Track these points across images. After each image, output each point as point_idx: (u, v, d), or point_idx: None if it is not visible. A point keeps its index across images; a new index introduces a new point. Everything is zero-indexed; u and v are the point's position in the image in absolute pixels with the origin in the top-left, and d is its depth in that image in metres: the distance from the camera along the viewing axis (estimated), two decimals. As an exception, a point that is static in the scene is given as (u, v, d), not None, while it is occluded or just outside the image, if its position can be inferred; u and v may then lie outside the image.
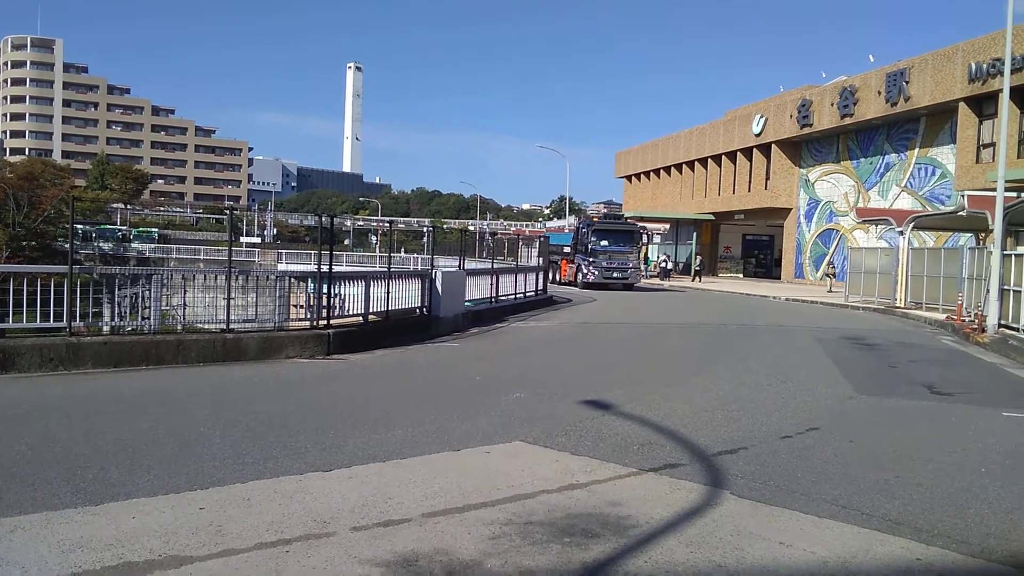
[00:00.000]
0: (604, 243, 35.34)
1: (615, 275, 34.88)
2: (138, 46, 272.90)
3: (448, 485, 5.82)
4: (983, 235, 26.65)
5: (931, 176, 38.88)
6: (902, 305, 27.24)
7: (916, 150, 39.86)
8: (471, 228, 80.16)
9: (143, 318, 11.73)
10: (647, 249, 44.23)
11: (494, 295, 21.93)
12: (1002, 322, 17.98)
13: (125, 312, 11.79)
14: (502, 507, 5.35)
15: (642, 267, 38.26)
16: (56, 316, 10.88)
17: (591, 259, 35.04)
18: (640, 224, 41.06)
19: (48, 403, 8.59)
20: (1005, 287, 18.14)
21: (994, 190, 18.74)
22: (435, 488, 5.73)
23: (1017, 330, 17.40)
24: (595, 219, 38.31)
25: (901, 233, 28.41)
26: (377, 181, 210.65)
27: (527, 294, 25.17)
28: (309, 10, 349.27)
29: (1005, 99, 19.15)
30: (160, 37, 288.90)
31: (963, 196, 23.28)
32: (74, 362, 10.55)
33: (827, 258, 46.61)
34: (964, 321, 20.26)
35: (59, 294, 10.86)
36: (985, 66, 33.04)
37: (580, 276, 35.98)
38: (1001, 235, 18.23)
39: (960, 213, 22.82)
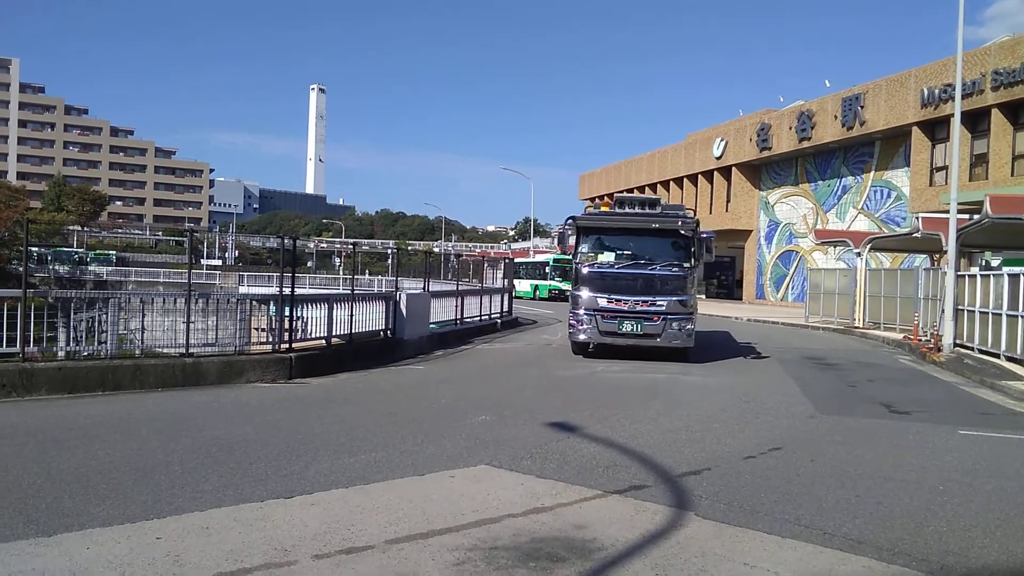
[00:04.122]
0: (607, 257, 16.95)
1: (627, 327, 16.26)
2: (97, 66, 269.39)
3: (412, 510, 5.76)
4: (937, 256, 27.24)
5: (887, 198, 39.73)
6: (861, 325, 27.71)
7: (872, 173, 40.73)
8: (436, 250, 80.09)
9: (100, 343, 11.49)
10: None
11: (459, 317, 21.88)
12: (957, 341, 18.36)
13: (81, 337, 11.52)
14: (467, 532, 5.30)
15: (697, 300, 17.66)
16: (9, 341, 10.61)
17: (580, 292, 16.75)
18: (686, 216, 17.96)
19: (-1, 431, 8.36)
20: (959, 307, 18.55)
21: (947, 212, 19.19)
22: (399, 514, 5.67)
23: (972, 349, 17.78)
24: (588, 209, 19.87)
25: (859, 254, 28.96)
26: (341, 203, 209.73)
27: (492, 316, 25.15)
28: (272, 31, 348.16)
29: (956, 124, 19.65)
30: (120, 57, 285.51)
31: (917, 218, 23.79)
32: (27, 388, 10.28)
33: (787, 279, 47.31)
34: (920, 340, 20.64)
35: (12, 318, 10.60)
36: (937, 91, 33.94)
37: (569, 327, 17.24)
38: (955, 256, 18.64)
39: (915, 235, 23.32)
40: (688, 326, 16.22)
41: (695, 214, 55.86)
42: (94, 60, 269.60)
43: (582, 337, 16.75)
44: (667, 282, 16.30)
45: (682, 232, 16.61)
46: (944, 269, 19.53)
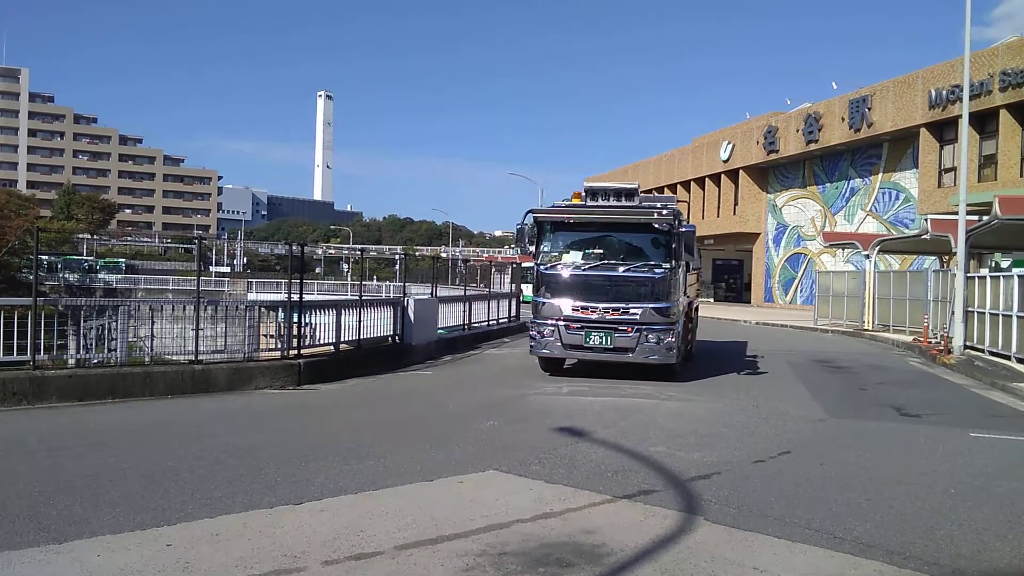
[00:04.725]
0: (572, 257, 14.49)
1: (594, 339, 13.99)
2: (106, 75, 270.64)
3: (421, 516, 5.76)
4: (947, 258, 27.12)
5: (895, 200, 39.59)
6: (870, 327, 27.60)
7: (880, 175, 40.60)
8: (443, 255, 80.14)
9: (110, 350, 11.54)
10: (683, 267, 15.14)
11: (467, 322, 21.88)
12: (967, 343, 18.27)
13: (91, 344, 11.57)
14: (476, 538, 5.30)
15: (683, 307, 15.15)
16: (20, 349, 10.65)
17: (541, 299, 14.49)
18: (666, 206, 14.59)
19: (11, 438, 8.39)
20: (969, 309, 18.46)
21: (956, 214, 19.12)
22: (408, 519, 5.67)
23: (982, 351, 17.69)
24: (561, 202, 15.60)
25: (867, 257, 28.85)
26: (348, 209, 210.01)
27: (500, 320, 25.15)
28: (278, 38, 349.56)
29: (964, 125, 19.58)
30: (128, 66, 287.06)
31: (926, 220, 23.71)
32: (38, 396, 10.33)
33: (796, 282, 47.17)
34: (931, 343, 20.55)
35: (23, 326, 10.65)
36: (945, 92, 33.83)
37: (530, 339, 14.79)
38: (964, 258, 18.56)
39: (924, 237, 23.23)
40: (669, 339, 13.61)
41: (687, 208, 51.65)
42: (104, 69, 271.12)
43: (544, 352, 14.41)
44: (642, 286, 13.79)
45: (655, 226, 13.92)
46: (953, 271, 19.45)
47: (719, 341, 22.54)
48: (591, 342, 13.89)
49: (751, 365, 17.04)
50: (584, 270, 14.13)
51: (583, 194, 14.85)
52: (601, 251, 14.32)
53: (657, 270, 13.81)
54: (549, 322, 14.18)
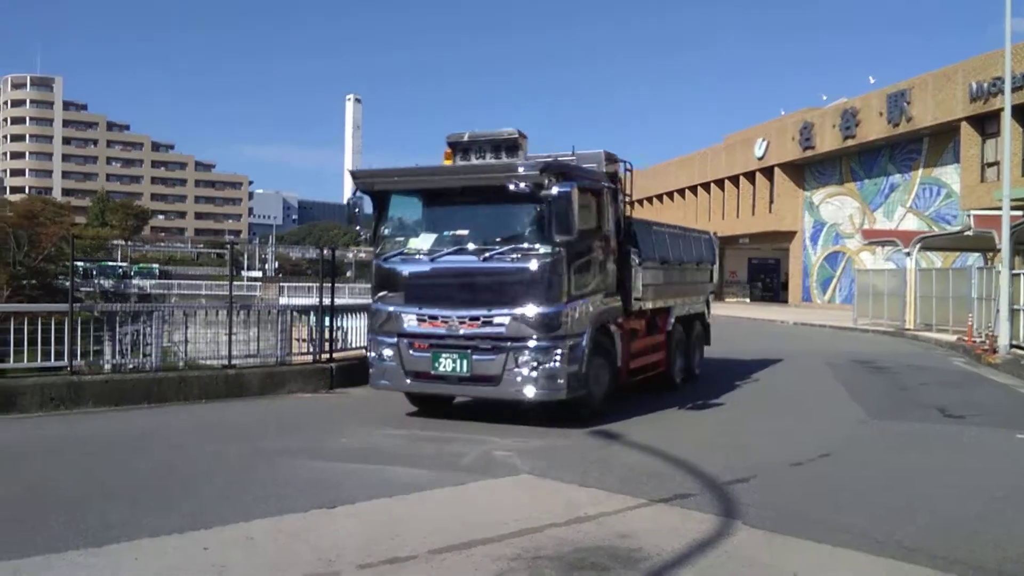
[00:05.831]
0: (422, 242, 9.82)
1: (446, 364, 9.24)
2: (137, 82, 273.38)
3: (454, 520, 5.72)
4: (991, 255, 26.52)
5: (936, 196, 38.86)
6: (912, 327, 27.08)
7: (920, 170, 39.87)
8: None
9: (144, 355, 11.66)
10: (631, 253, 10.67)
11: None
12: (1013, 342, 17.80)
13: (126, 350, 11.72)
14: (509, 542, 5.24)
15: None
16: (57, 355, 10.79)
17: (381, 306, 9.95)
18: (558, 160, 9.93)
19: (49, 443, 8.51)
20: (1015, 307, 17.99)
21: (1000, 209, 18.69)
22: (441, 523, 5.64)
23: (1028, 349, 17.25)
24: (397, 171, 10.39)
25: (908, 254, 28.33)
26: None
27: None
28: (306, 43, 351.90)
29: (1007, 118, 19.14)
30: (159, 73, 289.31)
31: (969, 216, 23.24)
32: (75, 401, 10.45)
33: (834, 281, 46.50)
34: (975, 342, 20.09)
35: (60, 332, 10.80)
36: (986, 85, 33.12)
37: (369, 363, 10.39)
38: (1009, 254, 18.11)
39: (967, 233, 22.76)
40: (553, 362, 8.90)
41: (734, 215, 49.87)
42: (135, 76, 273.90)
43: (383, 383, 9.96)
44: (512, 282, 9.16)
45: (511, 188, 9.05)
46: (998, 268, 19.00)
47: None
48: (441, 368, 9.34)
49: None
50: (431, 261, 9.63)
51: (452, 152, 10.33)
52: (464, 232, 9.66)
53: (537, 258, 9.08)
54: (387, 339, 9.78)
